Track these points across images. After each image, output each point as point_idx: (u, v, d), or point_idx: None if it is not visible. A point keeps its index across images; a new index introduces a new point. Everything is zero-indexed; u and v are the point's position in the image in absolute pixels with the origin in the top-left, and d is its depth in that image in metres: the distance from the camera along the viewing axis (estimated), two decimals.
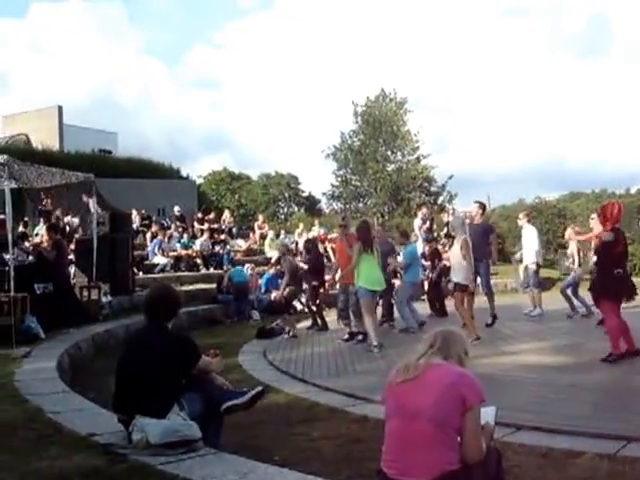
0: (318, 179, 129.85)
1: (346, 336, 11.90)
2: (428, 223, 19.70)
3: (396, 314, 13.34)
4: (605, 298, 8.86)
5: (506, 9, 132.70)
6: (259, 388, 5.38)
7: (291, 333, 12.70)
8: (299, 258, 18.86)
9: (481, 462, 3.42)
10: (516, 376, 8.37)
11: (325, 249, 20.92)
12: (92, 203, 14.30)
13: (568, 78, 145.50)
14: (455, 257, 11.12)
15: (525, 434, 5.73)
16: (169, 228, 22.81)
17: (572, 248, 13.76)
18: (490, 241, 13.13)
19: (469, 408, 3.35)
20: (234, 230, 26.02)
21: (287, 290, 13.31)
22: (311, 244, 14.82)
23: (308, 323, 13.86)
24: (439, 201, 38.66)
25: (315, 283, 13.56)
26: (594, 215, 10.56)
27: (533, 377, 8.20)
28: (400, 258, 13.59)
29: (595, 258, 10.07)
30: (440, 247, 17.24)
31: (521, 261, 15.28)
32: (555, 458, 5.10)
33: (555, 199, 36.71)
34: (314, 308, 13.71)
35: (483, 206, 13.67)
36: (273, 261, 20.58)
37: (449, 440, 3.34)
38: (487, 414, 3.71)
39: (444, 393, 3.35)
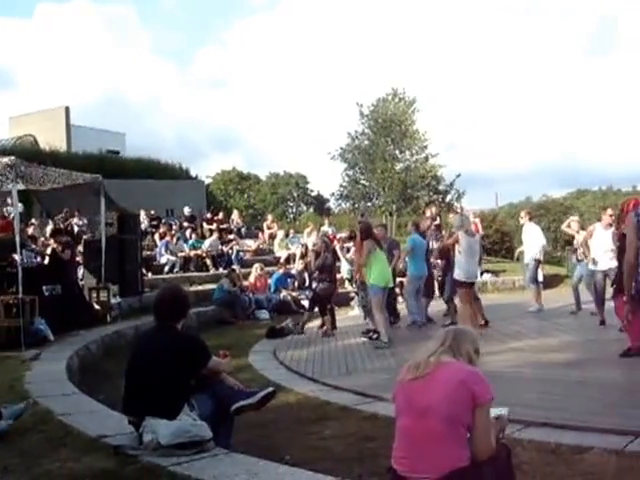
0: (327, 178, 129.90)
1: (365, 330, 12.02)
2: (438, 221, 19.72)
3: (405, 311, 13.41)
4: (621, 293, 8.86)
5: (516, 8, 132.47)
6: (270, 389, 5.40)
7: (327, 332, 12.76)
8: (307, 259, 18.89)
9: (490, 458, 3.44)
10: (524, 373, 8.39)
11: (334, 249, 20.92)
12: (100, 204, 14.31)
13: (576, 77, 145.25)
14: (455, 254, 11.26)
15: (534, 430, 5.74)
16: (181, 228, 22.85)
17: (578, 239, 13.58)
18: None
19: (479, 405, 3.38)
20: (243, 230, 25.99)
21: (321, 286, 13.29)
22: (323, 242, 14.79)
23: (318, 322, 13.88)
24: (447, 199, 38.64)
25: (327, 282, 13.53)
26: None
27: (541, 373, 8.22)
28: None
29: (615, 254, 10.10)
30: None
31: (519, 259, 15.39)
32: (564, 454, 5.12)
33: (562, 197, 36.70)
34: (329, 306, 13.67)
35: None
36: (282, 261, 20.66)
37: (459, 437, 3.36)
38: (498, 414, 3.74)
39: (454, 390, 3.37)
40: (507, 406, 3.94)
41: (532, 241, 14.32)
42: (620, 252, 9.39)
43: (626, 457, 4.96)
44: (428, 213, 18.76)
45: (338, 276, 16.25)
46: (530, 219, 14.83)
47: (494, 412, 3.57)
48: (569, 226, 13.92)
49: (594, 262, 11.61)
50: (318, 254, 14.31)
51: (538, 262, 14.66)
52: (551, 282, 20.04)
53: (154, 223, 23.34)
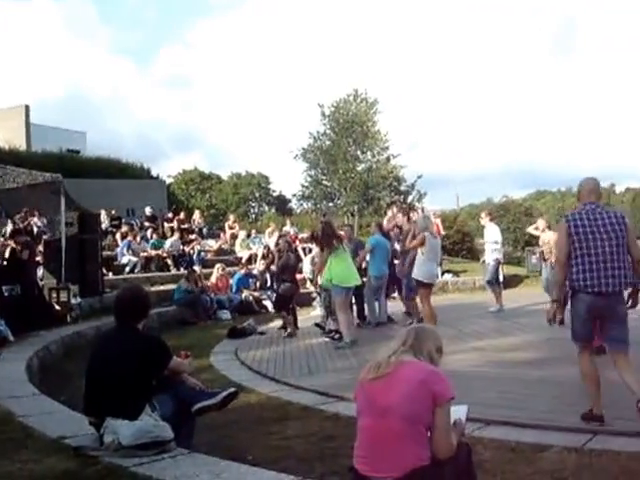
0: (289, 178, 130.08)
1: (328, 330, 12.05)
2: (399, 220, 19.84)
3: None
4: None
5: (481, 8, 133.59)
6: (232, 389, 5.40)
7: (289, 331, 12.72)
8: (269, 259, 18.91)
9: (451, 457, 3.46)
10: (485, 372, 8.46)
11: (296, 249, 20.96)
12: (60, 204, 14.15)
13: (537, 79, 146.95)
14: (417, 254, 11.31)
15: (494, 429, 5.81)
16: (142, 228, 22.67)
17: (544, 238, 13.50)
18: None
19: (439, 405, 3.39)
20: (204, 230, 25.90)
21: (283, 287, 13.24)
22: (285, 242, 14.77)
23: (279, 323, 13.88)
24: (409, 200, 38.89)
25: (289, 283, 13.53)
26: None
27: (502, 372, 8.30)
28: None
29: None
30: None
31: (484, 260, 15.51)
32: (524, 452, 5.18)
33: (522, 198, 37.21)
34: (291, 306, 13.68)
35: None
36: (244, 261, 20.63)
37: (419, 436, 3.38)
38: (459, 412, 3.76)
39: (414, 390, 3.39)
40: (468, 405, 3.98)
41: (492, 241, 14.46)
42: None
43: (585, 455, 5.03)
44: (390, 213, 18.88)
45: (300, 276, 16.24)
46: (491, 220, 15.03)
47: (454, 410, 3.60)
48: (537, 228, 14.00)
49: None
50: (281, 254, 14.31)
51: (498, 262, 14.85)
52: (511, 282, 20.28)
53: (115, 223, 23.16)
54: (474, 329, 12.14)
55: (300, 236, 22.76)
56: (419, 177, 39.28)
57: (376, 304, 13.38)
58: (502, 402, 6.78)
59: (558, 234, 6.37)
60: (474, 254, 27.52)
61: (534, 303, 13.76)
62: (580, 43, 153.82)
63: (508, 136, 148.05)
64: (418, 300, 11.91)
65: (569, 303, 6.27)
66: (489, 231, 14.66)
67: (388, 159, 38.97)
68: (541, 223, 13.82)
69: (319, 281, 11.97)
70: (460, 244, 29.16)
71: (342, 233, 12.53)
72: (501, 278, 16.57)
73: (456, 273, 22.34)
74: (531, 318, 12.55)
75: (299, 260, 15.25)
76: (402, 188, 39.57)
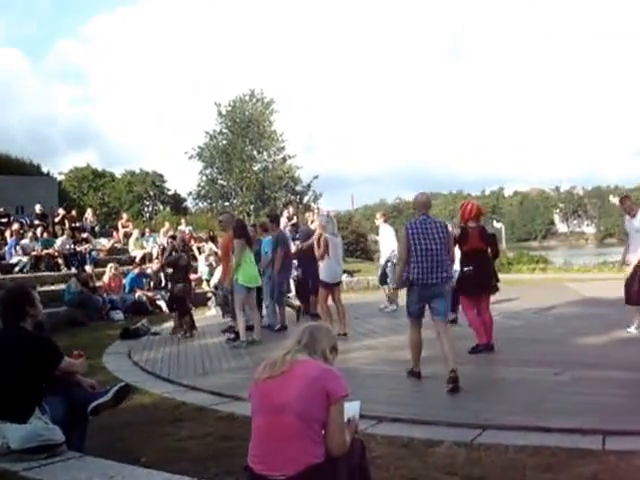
0: (184, 177, 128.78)
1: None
2: (295, 220, 20.01)
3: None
4: (460, 293, 9.46)
5: (367, 14, 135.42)
6: (122, 383, 5.36)
7: (184, 331, 12.59)
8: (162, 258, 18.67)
9: (345, 454, 3.50)
10: (378, 370, 8.64)
11: (190, 248, 20.81)
12: None
13: (433, 85, 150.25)
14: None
15: (387, 425, 5.94)
16: (31, 226, 22.01)
17: None
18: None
19: (333, 403, 3.43)
20: (97, 229, 25.43)
21: (177, 287, 13.07)
22: (178, 242, 14.63)
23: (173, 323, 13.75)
24: (305, 200, 39.21)
25: (182, 283, 13.38)
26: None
27: (394, 370, 8.44)
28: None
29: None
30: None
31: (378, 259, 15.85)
32: (415, 447, 5.31)
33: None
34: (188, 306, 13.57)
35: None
36: (137, 260, 20.33)
37: (314, 434, 3.41)
38: (352, 408, 3.82)
39: (308, 388, 3.42)
40: (361, 402, 4.04)
41: (387, 242, 14.70)
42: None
43: (475, 449, 5.21)
44: (286, 214, 18.98)
45: (195, 276, 16.12)
46: (385, 221, 15.27)
47: (347, 406, 3.65)
48: None
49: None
50: (173, 251, 14.18)
51: (392, 263, 15.10)
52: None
53: (3, 221, 22.42)
54: (368, 328, 12.35)
55: (196, 235, 22.61)
56: (315, 178, 39.74)
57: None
58: (394, 399, 6.94)
59: (400, 238, 7.95)
60: (368, 254, 27.93)
61: None
62: (469, 51, 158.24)
63: (402, 139, 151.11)
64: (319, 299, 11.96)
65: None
66: (383, 232, 14.89)
67: (284, 159, 39.26)
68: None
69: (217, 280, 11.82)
70: (355, 244, 29.54)
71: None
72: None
73: (351, 273, 22.58)
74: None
75: (194, 259, 15.11)
76: (298, 188, 39.92)
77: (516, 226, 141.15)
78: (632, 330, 9.99)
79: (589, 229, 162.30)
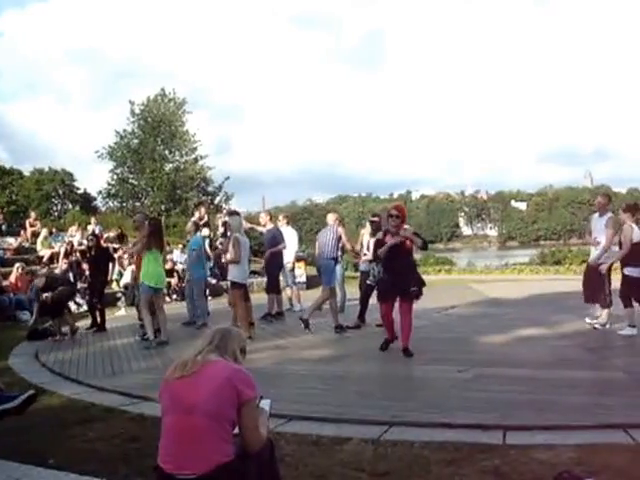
0: (94, 176, 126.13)
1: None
2: (205, 220, 19.99)
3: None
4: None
5: (292, 17, 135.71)
6: (31, 391, 5.29)
7: (66, 333, 12.32)
8: (72, 258, 18.36)
9: (255, 453, 3.55)
10: (287, 369, 8.74)
11: (107, 248, 20.43)
12: None
13: (344, 89, 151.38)
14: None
15: (296, 424, 6.04)
16: None
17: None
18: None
19: (244, 402, 3.48)
20: (4, 227, 24.77)
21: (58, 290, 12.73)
22: (94, 241, 14.41)
23: (85, 323, 13.56)
24: (216, 201, 39.14)
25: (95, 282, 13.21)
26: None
27: (303, 369, 8.61)
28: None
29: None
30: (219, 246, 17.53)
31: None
32: (324, 445, 5.42)
33: (325, 201, 38.37)
34: (99, 306, 13.42)
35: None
36: (46, 259, 19.90)
37: (224, 433, 3.44)
38: (262, 407, 3.90)
39: (219, 388, 3.45)
40: (271, 401, 4.12)
41: (289, 244, 14.80)
42: (376, 257, 10.10)
43: (382, 445, 5.35)
44: (197, 214, 18.92)
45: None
46: (287, 223, 15.45)
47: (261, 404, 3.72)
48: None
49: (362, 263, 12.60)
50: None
51: (293, 264, 15.37)
52: (313, 283, 20.81)
53: None
54: (277, 328, 12.51)
55: (105, 235, 22.24)
56: (226, 179, 39.72)
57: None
58: (303, 398, 7.04)
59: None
60: None
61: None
62: (387, 57, 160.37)
63: (312, 141, 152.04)
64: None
65: None
66: (285, 234, 14.95)
67: (196, 160, 39.07)
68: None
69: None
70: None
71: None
72: (304, 279, 17.08)
73: (259, 274, 22.58)
74: (328, 318, 13.00)
75: (111, 259, 14.97)
76: (210, 189, 39.80)
77: (423, 229, 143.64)
78: (590, 320, 10.75)
79: (492, 232, 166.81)
